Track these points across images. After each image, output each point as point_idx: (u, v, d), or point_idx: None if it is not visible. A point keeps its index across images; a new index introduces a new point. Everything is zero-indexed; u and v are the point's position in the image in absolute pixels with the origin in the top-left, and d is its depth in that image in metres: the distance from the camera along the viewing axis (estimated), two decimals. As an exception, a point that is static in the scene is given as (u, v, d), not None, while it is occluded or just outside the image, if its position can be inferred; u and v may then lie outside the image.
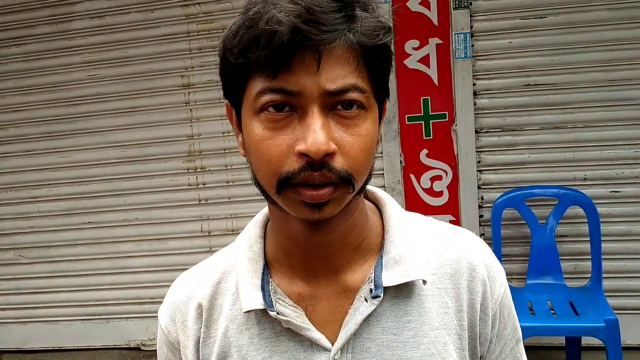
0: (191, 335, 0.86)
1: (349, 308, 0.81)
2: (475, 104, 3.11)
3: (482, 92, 3.12)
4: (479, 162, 3.16)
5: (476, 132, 3.14)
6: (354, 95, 0.71)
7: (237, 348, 0.83)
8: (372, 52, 0.72)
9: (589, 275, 2.94)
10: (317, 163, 0.70)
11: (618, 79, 2.99)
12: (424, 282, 0.82)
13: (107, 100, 3.50)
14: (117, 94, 3.48)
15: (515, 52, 3.07)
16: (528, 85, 3.08)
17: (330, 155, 0.70)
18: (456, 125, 3.11)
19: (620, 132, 3.02)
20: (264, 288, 0.82)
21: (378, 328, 0.81)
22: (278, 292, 0.83)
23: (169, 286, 3.41)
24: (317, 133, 0.69)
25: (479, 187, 3.18)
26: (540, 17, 3.03)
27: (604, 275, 2.93)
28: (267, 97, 0.71)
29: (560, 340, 3.01)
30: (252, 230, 0.89)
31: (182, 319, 0.88)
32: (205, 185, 3.49)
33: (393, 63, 0.79)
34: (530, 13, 3.04)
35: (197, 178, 3.49)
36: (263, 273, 0.84)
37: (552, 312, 2.73)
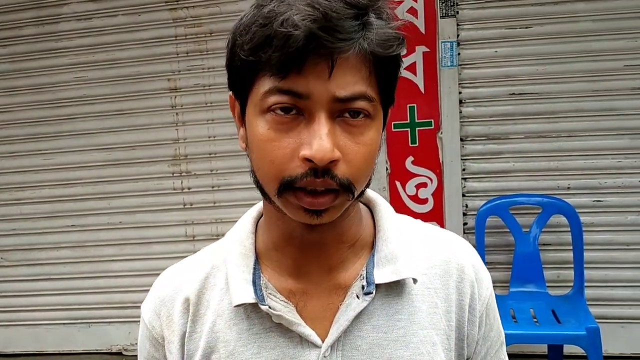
0: (176, 330, 0.85)
1: (340, 305, 0.81)
2: (460, 112, 3.13)
3: (467, 101, 3.13)
4: (463, 169, 3.17)
5: (461, 140, 3.15)
6: (362, 104, 0.71)
7: (224, 343, 0.82)
8: (384, 61, 0.73)
9: (572, 284, 2.96)
10: (320, 169, 0.70)
11: (602, 90, 3.02)
12: (415, 281, 0.82)
13: (93, 103, 3.48)
14: (104, 97, 3.47)
15: (501, 61, 3.09)
16: (513, 94, 3.10)
17: (333, 162, 0.70)
18: (442, 133, 3.12)
19: (604, 142, 3.05)
20: (255, 282, 0.82)
21: (369, 326, 0.81)
22: (269, 287, 0.82)
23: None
24: (323, 140, 0.69)
25: (463, 195, 3.19)
26: (526, 27, 3.06)
27: (586, 284, 2.95)
28: (275, 98, 0.71)
29: (543, 349, 3.02)
30: (243, 225, 0.88)
31: (168, 313, 0.86)
32: (190, 190, 3.48)
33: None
34: (516, 23, 3.06)
35: (182, 182, 3.48)
36: (254, 268, 0.83)
37: (535, 320, 2.74)
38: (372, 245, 0.85)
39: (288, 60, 0.68)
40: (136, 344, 3.41)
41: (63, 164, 3.55)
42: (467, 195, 3.20)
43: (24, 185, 3.61)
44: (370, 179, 0.78)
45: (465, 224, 3.19)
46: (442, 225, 3.18)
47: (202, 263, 0.89)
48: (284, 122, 0.71)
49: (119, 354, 3.64)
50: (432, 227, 0.92)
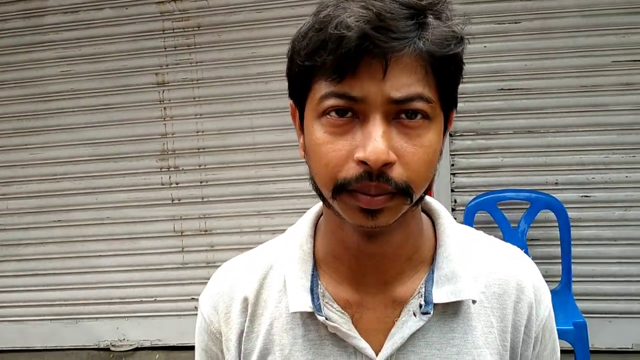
0: (234, 327, 0.86)
1: (396, 320, 0.81)
2: (450, 107, 3.12)
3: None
4: (452, 165, 3.18)
5: (450, 135, 3.15)
6: (418, 104, 0.70)
7: (280, 347, 0.83)
8: (442, 61, 0.71)
9: (559, 279, 2.97)
10: (374, 172, 0.69)
11: (590, 85, 3.03)
12: (474, 302, 0.82)
13: (80, 97, 3.45)
14: (91, 91, 3.43)
15: (490, 56, 3.09)
16: (502, 89, 3.10)
17: (388, 165, 0.69)
18: (431, 128, 3.11)
19: (592, 137, 3.06)
20: (312, 290, 0.82)
21: (422, 342, 0.81)
22: (326, 295, 0.82)
23: (140, 286, 3.36)
24: (377, 141, 0.68)
25: (452, 190, 3.20)
26: (515, 23, 3.06)
27: (573, 279, 2.96)
28: (330, 102, 0.70)
29: (530, 343, 3.03)
30: (302, 227, 0.88)
31: (226, 310, 0.87)
32: (179, 185, 3.45)
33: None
34: (505, 18, 3.06)
35: (170, 177, 3.45)
36: (312, 274, 0.83)
37: (523, 315, 2.75)
38: (432, 260, 0.84)
39: (342, 62, 0.68)
40: (124, 339, 3.38)
41: (49, 159, 3.52)
42: (455, 190, 3.21)
43: (9, 180, 3.57)
44: (431, 185, 0.77)
45: (454, 219, 3.18)
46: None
47: (260, 262, 0.89)
48: (339, 124, 0.71)
49: (106, 349, 3.61)
50: (494, 242, 0.91)
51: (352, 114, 0.71)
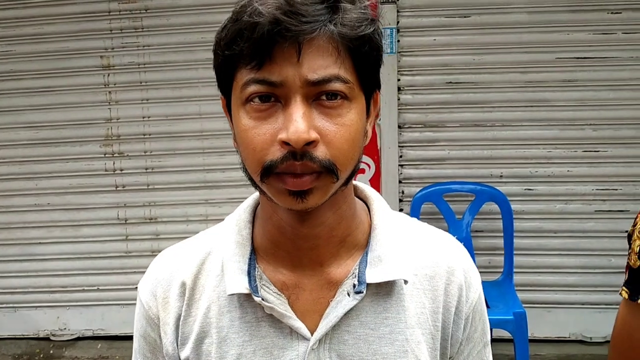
0: (172, 312, 0.87)
1: (331, 300, 0.83)
2: (399, 99, 3.15)
3: (405, 88, 3.16)
4: (400, 157, 3.20)
5: (399, 127, 3.18)
6: (336, 85, 0.73)
7: (217, 329, 0.84)
8: (355, 43, 0.73)
9: (502, 270, 3.04)
10: (298, 152, 0.71)
11: (534, 81, 3.10)
12: (406, 282, 0.84)
13: (20, 79, 3.33)
14: (31, 72, 3.32)
15: (439, 49, 3.12)
16: (450, 83, 3.14)
17: (312, 144, 0.72)
18: (380, 120, 3.13)
19: (535, 132, 3.14)
20: (249, 273, 0.84)
21: (357, 322, 0.83)
22: (264, 278, 0.84)
23: (82, 274, 3.28)
24: (297, 122, 0.70)
25: (400, 182, 3.23)
26: (465, 17, 3.09)
27: (515, 270, 3.04)
28: (252, 88, 0.73)
29: (472, 333, 3.10)
30: (241, 214, 0.90)
31: (164, 295, 0.88)
32: (123, 171, 3.38)
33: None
34: (455, 12, 3.09)
35: (114, 163, 3.37)
36: (250, 258, 0.85)
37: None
38: (366, 243, 0.87)
39: (257, 48, 0.71)
40: (65, 328, 3.29)
41: (-13, 142, 3.39)
42: (403, 181, 3.24)
43: (-56, 164, 3.43)
44: (357, 165, 0.79)
45: (400, 210, 3.22)
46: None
47: (199, 247, 0.91)
48: (262, 110, 0.74)
49: (46, 339, 3.53)
50: (426, 228, 0.94)
51: (274, 99, 0.73)
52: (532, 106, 3.12)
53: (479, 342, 0.92)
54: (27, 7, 3.25)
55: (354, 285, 0.83)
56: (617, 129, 3.10)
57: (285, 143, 0.71)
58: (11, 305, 3.54)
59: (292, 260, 0.85)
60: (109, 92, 3.33)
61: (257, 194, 0.89)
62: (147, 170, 3.37)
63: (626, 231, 1.13)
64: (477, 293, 0.90)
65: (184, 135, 3.32)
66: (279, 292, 0.83)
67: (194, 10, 3.21)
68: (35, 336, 3.55)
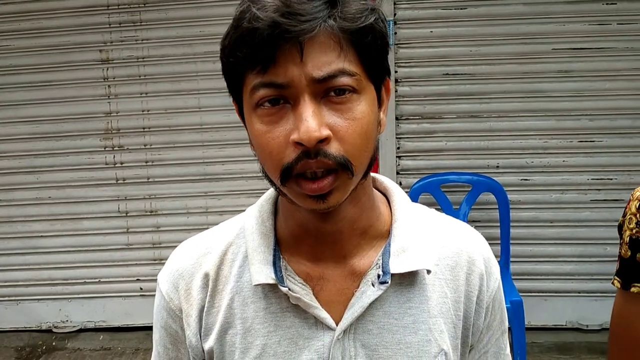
0: (195, 304, 0.87)
1: (355, 291, 0.83)
2: (396, 91, 3.17)
3: (403, 80, 3.18)
4: (398, 148, 3.23)
5: (397, 119, 3.20)
6: (343, 80, 0.72)
7: (242, 320, 0.85)
8: (357, 34, 0.73)
9: (498, 259, 3.07)
10: (312, 151, 0.71)
11: (531, 72, 3.12)
12: (429, 272, 0.85)
13: (20, 73, 3.35)
14: (31, 67, 3.34)
15: (436, 41, 3.14)
16: (447, 74, 3.16)
17: (324, 141, 0.71)
18: (378, 111, 3.15)
19: (532, 122, 3.16)
20: (275, 264, 0.84)
21: (381, 312, 0.84)
22: (289, 269, 0.85)
23: (83, 267, 3.29)
24: (307, 121, 0.70)
25: (397, 173, 3.25)
26: (461, 8, 3.11)
27: (511, 259, 3.07)
28: (261, 93, 0.73)
29: (470, 321, 3.13)
30: (264, 205, 0.89)
31: (187, 287, 0.88)
32: (123, 165, 3.40)
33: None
34: (452, 4, 3.11)
35: (114, 157, 3.40)
36: (274, 249, 0.85)
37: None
38: (388, 235, 0.87)
39: (260, 52, 0.71)
40: (67, 320, 3.31)
41: (-13, 136, 3.41)
42: (401, 173, 3.26)
43: (-55, 158, 3.45)
44: (374, 157, 0.79)
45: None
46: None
47: (220, 238, 0.90)
48: (273, 113, 0.73)
49: (49, 331, 3.55)
50: (446, 218, 0.94)
51: (283, 101, 0.73)
52: (528, 97, 3.14)
53: (498, 329, 0.93)
54: (26, 2, 3.26)
55: (379, 276, 0.83)
56: (613, 119, 3.12)
57: (298, 143, 0.71)
58: (13, 298, 3.56)
59: (316, 254, 0.85)
60: (109, 85, 3.34)
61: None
62: (147, 164, 3.39)
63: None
64: (497, 282, 0.91)
65: (183, 128, 3.34)
66: (304, 283, 0.84)
67: (192, 4, 3.22)
68: (38, 328, 3.57)
